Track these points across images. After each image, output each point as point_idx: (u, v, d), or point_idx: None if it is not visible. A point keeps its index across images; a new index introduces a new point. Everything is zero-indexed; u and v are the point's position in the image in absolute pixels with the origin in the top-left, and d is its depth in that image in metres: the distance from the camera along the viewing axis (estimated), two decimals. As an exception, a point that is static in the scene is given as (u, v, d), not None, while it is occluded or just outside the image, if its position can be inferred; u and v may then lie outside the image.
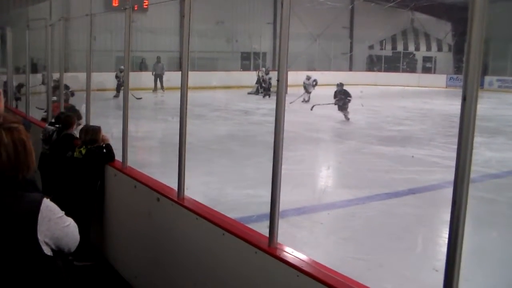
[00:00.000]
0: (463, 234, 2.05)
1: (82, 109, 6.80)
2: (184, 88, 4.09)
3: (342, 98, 17.53)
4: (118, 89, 20.73)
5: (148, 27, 24.08)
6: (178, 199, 3.92)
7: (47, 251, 2.23)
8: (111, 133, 6.32)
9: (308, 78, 23.74)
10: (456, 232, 2.05)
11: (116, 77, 20.81)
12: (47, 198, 2.26)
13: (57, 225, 2.24)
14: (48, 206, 2.23)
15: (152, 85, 24.49)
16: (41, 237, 2.19)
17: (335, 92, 17.83)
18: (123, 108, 5.32)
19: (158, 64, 25.20)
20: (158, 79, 24.83)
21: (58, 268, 2.32)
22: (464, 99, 1.98)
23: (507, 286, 5.23)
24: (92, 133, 5.44)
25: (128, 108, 5.31)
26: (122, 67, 18.95)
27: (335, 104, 17.58)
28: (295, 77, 25.18)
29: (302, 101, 21.89)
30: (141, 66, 26.51)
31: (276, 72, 3.11)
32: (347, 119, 17.04)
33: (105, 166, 5.40)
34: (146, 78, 23.41)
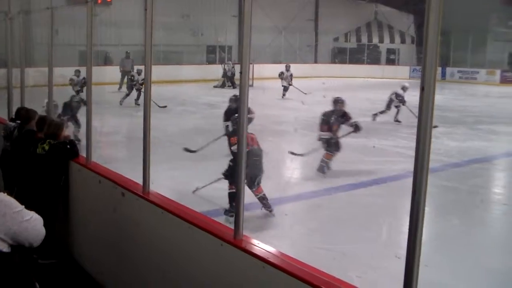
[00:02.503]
0: (422, 222, 2.10)
1: (45, 104, 6.69)
2: (147, 82, 4.06)
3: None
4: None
5: (112, 20, 23.71)
6: (143, 194, 3.91)
7: (3, 247, 2.20)
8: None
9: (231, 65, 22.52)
10: (416, 220, 2.10)
11: (70, 79, 17.11)
12: (4, 192, 2.23)
13: (13, 220, 2.20)
14: (3, 201, 2.20)
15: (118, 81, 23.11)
16: None
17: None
18: (86, 103, 5.26)
19: (127, 59, 23.42)
20: (126, 76, 22.41)
21: (14, 265, 2.29)
22: (422, 89, 2.03)
23: (467, 270, 5.37)
24: (55, 127, 5.36)
25: (91, 103, 5.26)
26: (78, 69, 16.53)
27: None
28: (262, 70, 25.29)
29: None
30: (106, 60, 26.04)
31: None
32: None
33: (69, 161, 5.34)
34: (111, 72, 22.95)
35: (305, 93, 20.48)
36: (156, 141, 7.33)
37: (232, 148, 6.69)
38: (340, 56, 37.22)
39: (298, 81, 28.48)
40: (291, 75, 22.27)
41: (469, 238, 6.40)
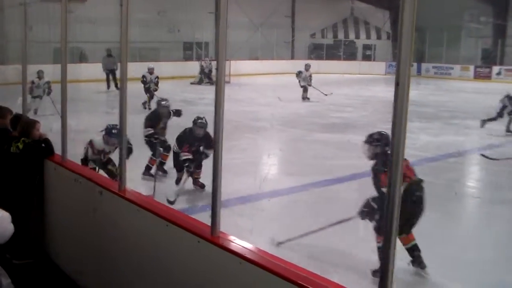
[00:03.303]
0: (398, 215, 2.12)
1: (18, 102, 6.59)
2: (123, 79, 4.03)
3: None
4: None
5: (87, 17, 23.42)
6: (119, 192, 3.88)
7: None
8: (50, 127, 6.17)
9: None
10: (391, 213, 2.12)
11: (32, 82, 14.10)
12: None
13: None
14: None
15: (100, 78, 22.17)
16: None
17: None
18: (61, 100, 5.21)
19: (108, 57, 22.41)
20: (110, 74, 22.07)
21: None
22: (397, 84, 2.05)
23: (442, 263, 5.44)
24: (25, 125, 5.28)
25: (66, 100, 5.20)
26: (41, 69, 14.49)
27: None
28: (239, 66, 25.29)
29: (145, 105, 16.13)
30: (81, 58, 25.70)
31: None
32: None
33: (44, 160, 5.28)
34: (86, 70, 22.64)
35: (326, 94, 19.61)
36: (134, 139, 7.30)
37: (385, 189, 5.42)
38: (316, 52, 37.38)
39: (276, 77, 28.58)
40: (311, 75, 19.95)
41: (444, 231, 6.49)
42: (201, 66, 26.44)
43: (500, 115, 13.30)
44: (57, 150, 5.22)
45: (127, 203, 3.74)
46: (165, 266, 3.43)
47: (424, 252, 5.72)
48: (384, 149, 5.21)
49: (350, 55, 37.36)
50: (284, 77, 29.58)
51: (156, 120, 8.75)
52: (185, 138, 7.68)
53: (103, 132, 6.99)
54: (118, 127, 6.17)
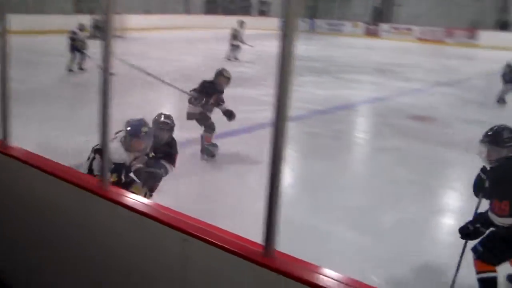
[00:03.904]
0: (282, 161, 2.21)
1: None
2: (3, 33, 3.78)
3: None
4: None
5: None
6: (2, 149, 3.71)
7: None
8: None
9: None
10: (275, 159, 2.22)
11: None
12: None
13: None
14: None
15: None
16: None
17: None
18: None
19: None
20: None
21: None
22: (284, 36, 2.10)
23: (328, 209, 5.77)
24: None
25: None
26: None
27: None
28: (132, 20, 24.53)
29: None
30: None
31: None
32: None
33: None
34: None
35: (252, 46, 19.75)
36: (21, 96, 6.96)
37: (498, 220, 3.70)
38: (210, 6, 37.04)
39: (170, 32, 28.06)
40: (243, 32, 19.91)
41: (332, 179, 6.85)
42: (94, 20, 25.41)
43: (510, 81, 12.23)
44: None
45: (11, 160, 3.58)
46: (57, 224, 3.34)
47: (312, 199, 6.04)
48: None
49: (245, 11, 37.36)
50: (179, 32, 29.16)
51: (212, 91, 7.53)
52: None
53: (122, 134, 4.62)
54: (143, 122, 4.70)
